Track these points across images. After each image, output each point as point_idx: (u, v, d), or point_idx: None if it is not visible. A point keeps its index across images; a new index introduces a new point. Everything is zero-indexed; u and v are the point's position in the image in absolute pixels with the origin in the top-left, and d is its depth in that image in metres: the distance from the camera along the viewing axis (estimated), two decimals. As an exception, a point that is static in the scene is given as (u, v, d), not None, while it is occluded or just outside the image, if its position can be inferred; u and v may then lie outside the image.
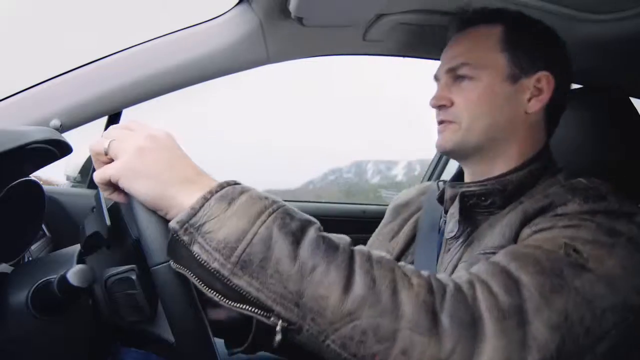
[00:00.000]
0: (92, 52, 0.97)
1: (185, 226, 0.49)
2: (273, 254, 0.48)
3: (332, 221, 1.58)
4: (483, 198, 0.75)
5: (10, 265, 0.70)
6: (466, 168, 0.83)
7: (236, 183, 0.53)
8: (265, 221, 0.49)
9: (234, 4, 1.00)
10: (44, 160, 0.71)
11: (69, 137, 0.73)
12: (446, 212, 0.80)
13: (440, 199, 0.82)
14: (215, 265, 0.48)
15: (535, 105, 0.76)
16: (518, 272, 0.53)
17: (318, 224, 0.53)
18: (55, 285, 0.57)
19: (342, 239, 0.53)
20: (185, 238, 0.49)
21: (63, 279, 0.56)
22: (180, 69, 0.98)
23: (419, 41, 1.09)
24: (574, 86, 1.12)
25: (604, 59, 1.06)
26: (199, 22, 1.00)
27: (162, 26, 1.00)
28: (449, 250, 0.76)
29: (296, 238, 0.49)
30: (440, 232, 0.82)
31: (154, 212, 0.53)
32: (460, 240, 0.75)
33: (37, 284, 0.59)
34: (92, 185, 1.28)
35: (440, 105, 0.78)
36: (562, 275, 0.53)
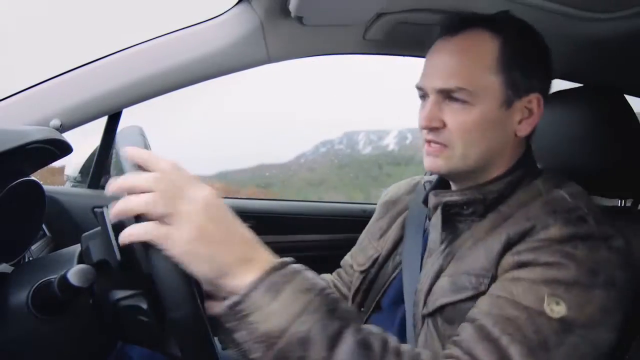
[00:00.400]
0: (92, 52, 0.97)
1: (233, 312, 0.52)
2: (309, 356, 0.51)
3: (332, 221, 1.58)
4: (465, 207, 0.75)
5: (11, 265, 0.70)
6: (451, 181, 0.83)
7: (286, 264, 0.54)
8: (305, 321, 0.51)
9: (234, 4, 1.00)
10: (44, 160, 0.71)
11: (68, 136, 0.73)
12: (429, 218, 0.82)
13: (426, 201, 0.83)
14: (256, 355, 0.52)
15: (526, 129, 0.76)
16: (509, 349, 0.56)
17: (357, 322, 0.55)
18: (55, 285, 0.56)
19: (375, 335, 0.55)
20: (233, 324, 0.52)
21: (63, 278, 0.55)
22: (180, 68, 0.98)
23: (420, 40, 1.08)
24: (574, 85, 1.12)
25: (602, 57, 1.06)
26: (199, 21, 1.01)
27: (162, 26, 1.00)
28: (431, 255, 0.77)
29: (333, 344, 0.52)
30: (425, 235, 0.83)
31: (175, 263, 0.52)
32: (442, 247, 0.76)
33: (37, 284, 0.59)
34: (92, 185, 1.28)
35: (432, 127, 0.74)
36: (548, 346, 0.57)
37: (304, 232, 1.52)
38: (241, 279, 0.52)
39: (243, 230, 0.55)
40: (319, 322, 0.52)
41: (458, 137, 0.73)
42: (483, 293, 0.65)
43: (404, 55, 1.17)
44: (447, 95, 0.73)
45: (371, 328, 0.56)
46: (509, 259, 0.65)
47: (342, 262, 1.05)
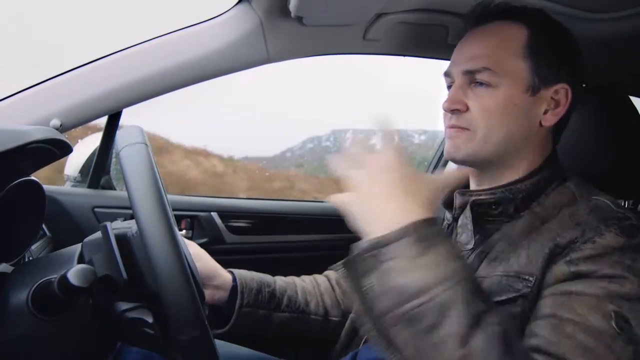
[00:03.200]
0: (92, 52, 0.97)
1: (373, 252, 0.50)
2: (444, 326, 0.47)
3: (332, 221, 1.58)
4: (493, 206, 0.73)
5: (11, 265, 0.70)
6: (472, 175, 0.81)
7: (437, 222, 0.55)
8: (450, 288, 0.48)
9: (234, 3, 1.00)
10: (44, 160, 0.71)
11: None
12: (455, 219, 0.79)
13: (445, 203, 0.81)
14: (382, 306, 0.48)
15: (551, 119, 0.74)
16: None
17: (500, 313, 0.52)
18: (55, 285, 0.56)
19: (517, 337, 0.53)
20: (367, 263, 0.49)
21: (63, 278, 0.55)
22: (180, 68, 0.98)
23: (419, 40, 1.08)
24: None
25: (603, 57, 1.06)
26: (199, 21, 1.01)
27: (162, 26, 1.00)
28: None
29: (473, 324, 0.48)
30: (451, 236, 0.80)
31: (188, 279, 0.52)
32: (470, 247, 0.74)
33: (37, 284, 0.59)
34: (92, 185, 1.28)
35: (454, 109, 0.74)
36: None
37: (304, 232, 1.52)
38: (391, 220, 0.53)
39: (421, 188, 0.59)
40: (465, 295, 0.48)
41: (480, 119, 0.72)
42: (524, 296, 0.63)
43: (404, 55, 1.17)
44: (472, 78, 0.73)
45: (508, 322, 0.53)
46: (563, 267, 0.62)
47: None
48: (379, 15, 0.99)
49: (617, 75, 1.12)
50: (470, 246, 0.74)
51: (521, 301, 0.63)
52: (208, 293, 0.90)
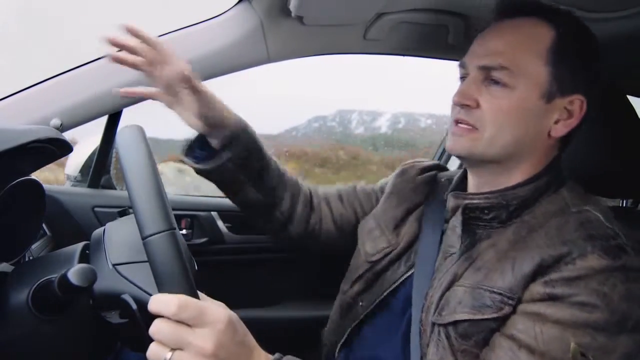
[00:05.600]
0: (92, 52, 0.97)
1: None
2: None
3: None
4: (486, 211, 0.72)
5: (11, 265, 0.70)
6: (471, 174, 0.80)
7: None
8: None
9: (235, 3, 1.00)
10: (44, 159, 0.71)
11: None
12: (446, 221, 0.79)
13: (445, 200, 0.80)
14: None
15: (561, 130, 0.71)
16: None
17: None
18: (55, 284, 0.57)
19: None
20: None
21: (64, 278, 0.55)
22: (180, 68, 0.98)
23: (420, 40, 1.08)
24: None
25: (603, 57, 1.06)
26: (199, 21, 1.00)
27: (162, 26, 1.00)
28: (446, 259, 0.75)
29: None
30: (442, 239, 0.79)
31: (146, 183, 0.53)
32: (458, 253, 0.73)
33: (37, 283, 0.59)
34: (92, 184, 1.28)
35: (465, 104, 0.71)
36: None
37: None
38: None
39: (253, 351, 0.55)
40: None
41: (490, 119, 0.69)
42: (505, 317, 0.63)
43: (404, 55, 1.17)
44: (487, 75, 0.70)
45: None
46: (539, 288, 0.61)
47: (324, 197, 1.01)
48: (379, 15, 0.99)
49: (617, 75, 1.12)
50: (455, 249, 0.73)
51: (502, 321, 0.64)
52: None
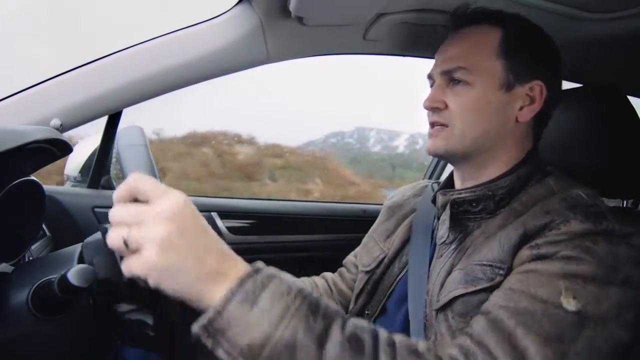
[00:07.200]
0: (92, 52, 0.97)
1: (209, 330, 0.49)
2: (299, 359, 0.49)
3: (332, 221, 1.58)
4: (474, 204, 0.76)
5: (11, 265, 0.70)
6: (456, 171, 0.85)
7: (258, 269, 0.52)
8: (288, 324, 0.49)
9: (234, 3, 1.00)
10: (44, 160, 0.71)
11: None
12: (438, 218, 0.82)
13: (434, 201, 0.84)
14: None
15: (527, 115, 0.77)
16: (524, 340, 0.56)
17: (342, 318, 0.53)
18: (55, 284, 0.57)
19: (364, 329, 0.54)
20: (210, 343, 0.49)
21: (63, 278, 0.55)
22: (180, 68, 0.98)
23: (419, 40, 1.09)
24: (573, 85, 1.12)
25: (602, 57, 1.06)
26: (199, 21, 1.00)
27: (162, 26, 1.00)
28: (442, 255, 0.77)
29: (321, 342, 0.50)
30: (434, 236, 0.83)
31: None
32: (453, 246, 0.76)
33: (37, 284, 0.59)
34: (92, 185, 1.28)
35: (434, 107, 0.78)
36: (564, 339, 0.56)
37: (304, 232, 1.52)
38: (214, 294, 0.49)
39: (213, 242, 0.52)
40: (303, 324, 0.50)
41: (458, 115, 0.76)
42: (497, 285, 0.65)
43: (404, 56, 1.17)
44: (450, 78, 0.78)
45: (358, 321, 0.55)
46: (527, 251, 0.65)
47: (344, 261, 1.05)
48: (379, 15, 0.99)
49: (617, 75, 1.12)
50: (443, 240, 0.78)
51: (495, 290, 0.65)
52: None
